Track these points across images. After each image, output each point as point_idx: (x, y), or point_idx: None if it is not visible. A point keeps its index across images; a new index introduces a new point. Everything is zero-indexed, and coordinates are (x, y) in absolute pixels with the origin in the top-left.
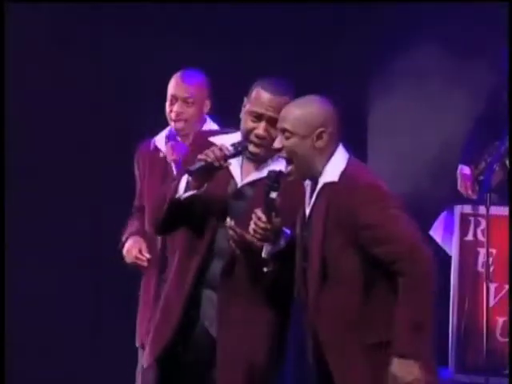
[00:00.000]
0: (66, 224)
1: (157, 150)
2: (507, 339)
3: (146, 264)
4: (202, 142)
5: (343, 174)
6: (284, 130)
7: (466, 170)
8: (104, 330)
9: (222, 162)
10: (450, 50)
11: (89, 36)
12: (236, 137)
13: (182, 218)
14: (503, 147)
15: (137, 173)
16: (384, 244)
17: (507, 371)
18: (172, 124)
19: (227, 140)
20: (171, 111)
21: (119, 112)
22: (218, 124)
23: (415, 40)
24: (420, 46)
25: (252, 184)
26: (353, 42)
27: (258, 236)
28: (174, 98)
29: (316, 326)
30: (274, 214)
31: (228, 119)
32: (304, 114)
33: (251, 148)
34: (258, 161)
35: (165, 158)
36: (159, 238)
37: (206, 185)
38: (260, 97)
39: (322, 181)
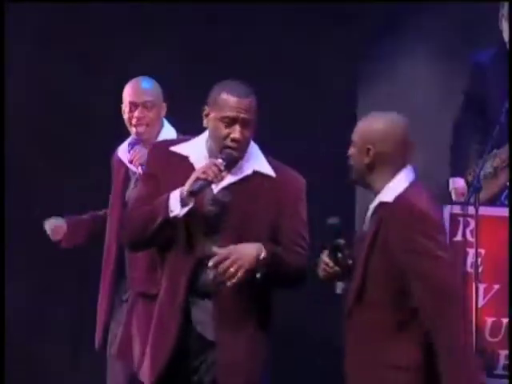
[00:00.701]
0: None
1: (119, 160)
2: (496, 339)
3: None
4: (163, 153)
5: (399, 197)
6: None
7: (460, 182)
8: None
9: (219, 178)
10: (449, 49)
11: (89, 36)
12: (196, 142)
13: (169, 234)
14: (503, 155)
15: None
16: (421, 281)
17: (496, 371)
18: (133, 130)
19: (190, 147)
20: (131, 117)
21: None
22: (175, 126)
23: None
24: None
25: (227, 188)
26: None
27: (330, 277)
28: (134, 105)
29: (345, 340)
30: (340, 256)
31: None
32: (365, 127)
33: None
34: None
35: (125, 166)
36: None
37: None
38: (229, 101)
39: (378, 199)
